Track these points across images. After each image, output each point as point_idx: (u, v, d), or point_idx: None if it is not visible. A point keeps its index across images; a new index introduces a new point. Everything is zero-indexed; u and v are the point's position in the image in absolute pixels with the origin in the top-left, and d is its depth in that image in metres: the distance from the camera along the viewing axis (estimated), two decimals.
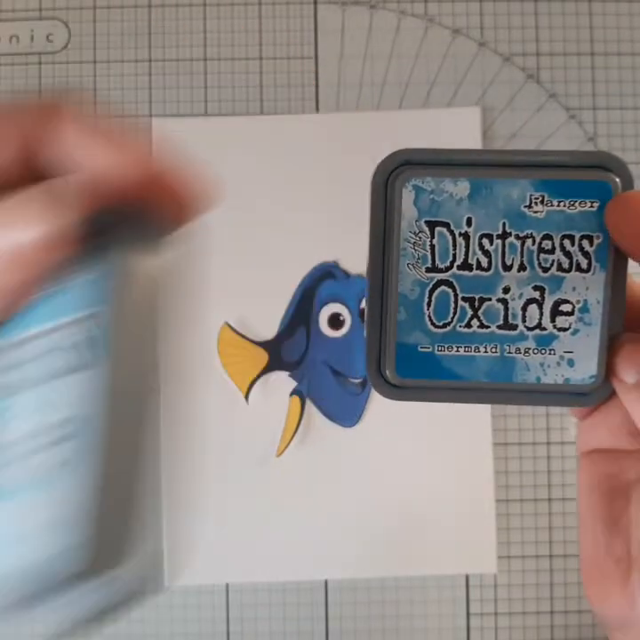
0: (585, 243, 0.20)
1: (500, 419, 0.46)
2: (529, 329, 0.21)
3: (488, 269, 0.20)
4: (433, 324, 0.21)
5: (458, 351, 0.21)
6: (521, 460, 0.46)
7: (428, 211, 0.20)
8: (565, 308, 0.20)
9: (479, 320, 0.21)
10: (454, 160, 0.21)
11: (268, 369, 0.45)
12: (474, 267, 0.20)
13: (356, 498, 0.45)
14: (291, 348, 0.45)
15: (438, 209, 0.20)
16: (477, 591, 0.46)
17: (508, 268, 0.20)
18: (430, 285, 0.21)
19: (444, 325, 0.21)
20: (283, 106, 0.47)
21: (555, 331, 0.21)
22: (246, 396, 0.45)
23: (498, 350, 0.21)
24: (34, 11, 0.47)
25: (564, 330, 0.21)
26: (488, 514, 0.45)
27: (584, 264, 0.20)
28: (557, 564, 0.46)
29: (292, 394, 0.45)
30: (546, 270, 0.20)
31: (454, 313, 0.21)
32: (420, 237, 0.21)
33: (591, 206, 0.20)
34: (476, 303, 0.21)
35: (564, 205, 0.20)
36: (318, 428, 0.45)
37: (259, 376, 0.45)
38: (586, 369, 0.21)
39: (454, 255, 0.20)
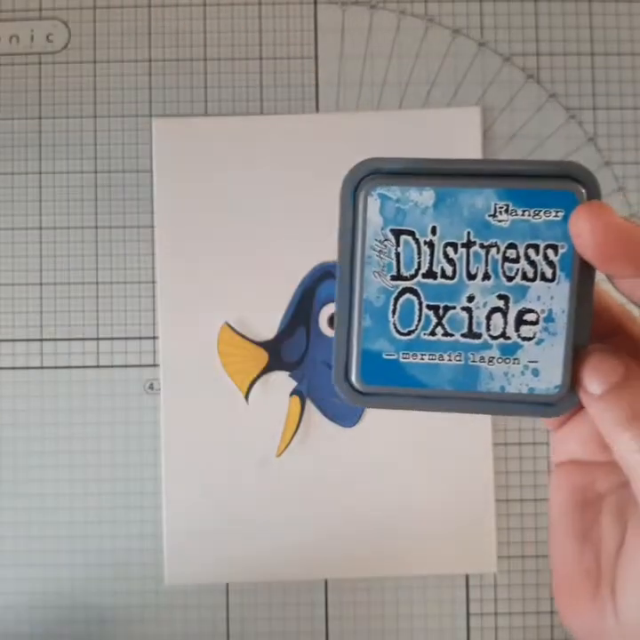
0: (550, 252, 0.20)
1: (500, 419, 0.46)
2: (493, 338, 0.21)
3: (452, 278, 0.21)
4: (398, 331, 0.21)
5: (422, 359, 0.21)
6: (521, 460, 0.46)
7: (393, 219, 0.21)
8: (530, 317, 0.20)
9: (443, 328, 0.21)
10: (420, 169, 0.21)
11: (268, 369, 0.45)
12: (438, 275, 0.21)
13: (355, 498, 0.45)
14: (291, 347, 0.45)
15: (404, 217, 0.21)
16: (477, 591, 0.46)
17: (472, 277, 0.21)
18: (395, 293, 0.21)
19: (409, 333, 0.21)
20: (283, 106, 0.47)
21: (519, 340, 0.21)
22: (246, 396, 0.45)
23: (462, 359, 0.21)
24: (34, 11, 0.47)
25: (529, 339, 0.21)
26: (488, 514, 0.45)
27: (549, 273, 0.20)
28: None
29: (292, 394, 0.45)
30: (510, 279, 0.20)
31: (419, 321, 0.21)
32: (385, 245, 0.21)
33: (556, 216, 0.20)
34: (441, 311, 0.21)
35: (529, 215, 0.20)
36: (318, 427, 0.45)
37: (259, 376, 0.45)
38: (550, 379, 0.21)
39: (419, 263, 0.21)
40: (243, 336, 0.45)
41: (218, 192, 0.46)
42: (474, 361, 0.21)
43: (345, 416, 0.45)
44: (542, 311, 0.20)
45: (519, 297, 0.20)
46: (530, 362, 0.21)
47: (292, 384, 0.45)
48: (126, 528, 0.45)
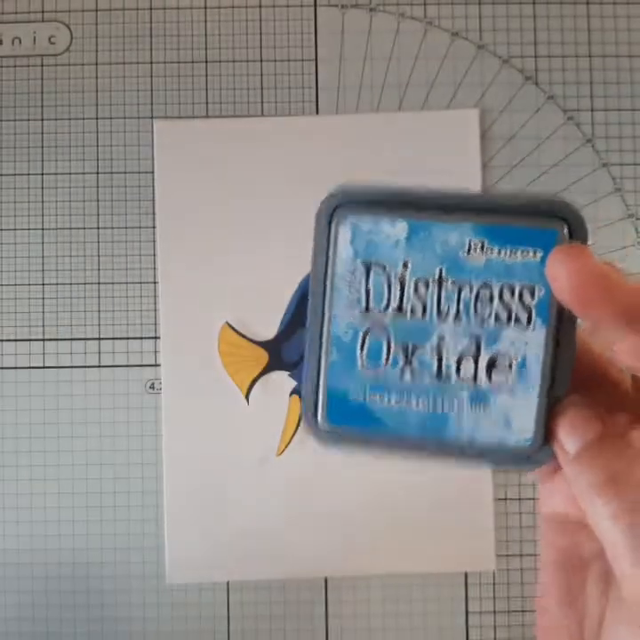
0: (526, 295, 0.19)
1: None
2: (463, 383, 0.19)
3: (423, 316, 0.19)
4: (365, 369, 0.20)
5: (389, 401, 0.20)
6: None
7: (364, 251, 0.19)
8: (502, 363, 0.19)
9: (411, 369, 0.19)
10: (395, 199, 0.19)
11: (268, 369, 0.45)
12: (408, 312, 0.19)
13: (355, 496, 0.45)
14: (291, 348, 0.45)
15: (375, 249, 0.19)
16: (476, 589, 0.46)
17: (443, 317, 0.19)
18: (363, 329, 0.20)
19: (376, 372, 0.20)
20: (283, 108, 0.47)
21: (490, 387, 0.19)
22: (246, 396, 0.45)
23: (429, 403, 0.19)
24: (36, 13, 0.47)
25: (500, 387, 0.19)
26: (487, 512, 0.45)
27: (523, 318, 0.19)
28: None
29: (292, 394, 0.45)
30: (483, 322, 0.19)
31: (387, 360, 0.19)
32: (355, 277, 0.19)
33: (534, 256, 0.18)
34: (410, 351, 0.19)
35: (505, 254, 0.19)
36: None
37: (259, 376, 0.45)
38: (521, 431, 0.19)
39: (389, 299, 0.19)
40: (243, 336, 0.45)
41: (218, 193, 0.46)
42: (442, 406, 0.19)
43: None
44: (515, 358, 0.19)
45: (491, 341, 0.19)
46: (500, 411, 0.19)
47: (292, 384, 0.45)
48: (127, 527, 0.46)
